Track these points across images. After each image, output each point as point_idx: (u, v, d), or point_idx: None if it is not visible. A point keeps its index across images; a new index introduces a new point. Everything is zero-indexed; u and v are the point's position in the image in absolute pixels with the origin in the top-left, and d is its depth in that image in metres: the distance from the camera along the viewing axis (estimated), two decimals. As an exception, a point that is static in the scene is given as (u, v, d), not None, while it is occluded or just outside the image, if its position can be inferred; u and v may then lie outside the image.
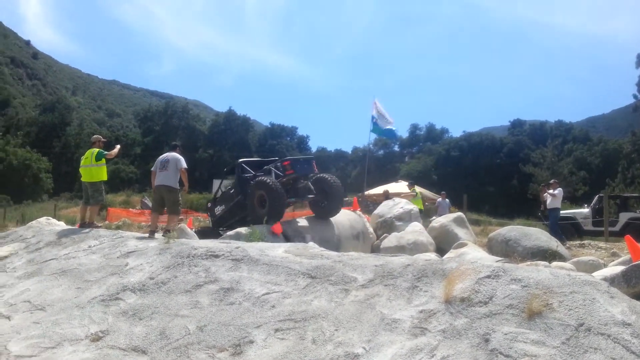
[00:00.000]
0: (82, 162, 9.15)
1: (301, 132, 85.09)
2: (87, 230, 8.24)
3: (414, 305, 4.17)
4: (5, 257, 7.62)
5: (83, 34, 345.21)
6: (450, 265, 4.63)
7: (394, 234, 10.12)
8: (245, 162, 11.43)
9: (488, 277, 4.29)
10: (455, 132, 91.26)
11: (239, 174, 10.86)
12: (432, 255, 8.69)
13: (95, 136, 9.66)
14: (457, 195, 25.58)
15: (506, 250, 9.29)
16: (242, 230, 8.62)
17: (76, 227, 8.68)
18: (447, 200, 17.70)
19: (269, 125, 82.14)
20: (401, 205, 11.66)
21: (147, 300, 5.18)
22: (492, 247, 9.75)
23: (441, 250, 9.58)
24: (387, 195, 17.96)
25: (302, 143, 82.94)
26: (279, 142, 75.59)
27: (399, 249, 9.47)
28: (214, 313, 4.70)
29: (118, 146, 9.65)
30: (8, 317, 5.33)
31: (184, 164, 8.36)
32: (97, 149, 9.05)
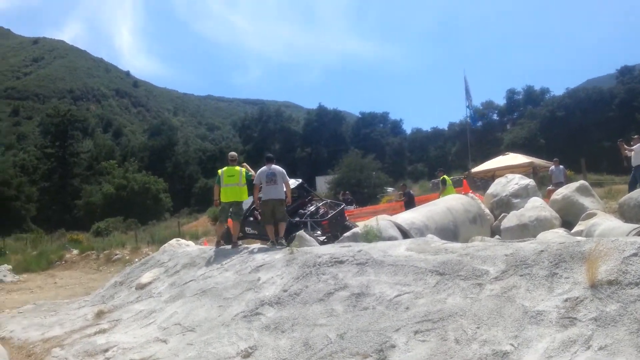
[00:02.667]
0: (225, 181, 8.78)
1: (393, 116, 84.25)
2: (236, 248, 8.40)
3: (557, 294, 4.01)
4: (150, 282, 8.34)
5: (174, 56, 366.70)
6: (588, 247, 4.40)
7: (513, 213, 9.72)
8: None
9: (635, 255, 4.03)
10: (557, 90, 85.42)
11: None
12: (559, 231, 8.28)
13: (234, 153, 9.48)
14: (570, 159, 24.04)
15: (641, 215, 8.60)
16: (358, 230, 8.73)
17: (214, 246, 9.04)
18: (560, 166, 16.37)
19: (360, 115, 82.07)
20: (515, 181, 11.16)
21: (284, 312, 5.43)
22: (625, 213, 9.07)
23: (568, 224, 9.07)
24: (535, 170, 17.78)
25: (396, 127, 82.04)
26: (372, 129, 75.29)
27: (521, 228, 9.11)
28: (350, 320, 4.83)
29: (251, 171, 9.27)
30: (165, 341, 5.83)
31: (287, 178, 8.79)
32: (243, 169, 8.98)
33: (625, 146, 12.53)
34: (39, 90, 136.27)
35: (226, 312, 6.00)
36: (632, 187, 11.45)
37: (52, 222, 48.75)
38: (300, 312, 5.31)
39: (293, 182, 13.37)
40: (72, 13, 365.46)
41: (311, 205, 12.32)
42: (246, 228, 11.83)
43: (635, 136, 12.66)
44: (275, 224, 8.74)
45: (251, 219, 12.06)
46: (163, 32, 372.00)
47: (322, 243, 9.39)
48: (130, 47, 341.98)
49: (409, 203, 15.03)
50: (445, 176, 14.97)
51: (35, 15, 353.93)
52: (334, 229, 10.67)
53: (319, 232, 10.48)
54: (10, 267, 20.53)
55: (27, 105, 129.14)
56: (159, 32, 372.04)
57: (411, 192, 17.32)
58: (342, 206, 12.81)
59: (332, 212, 11.70)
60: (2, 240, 30.64)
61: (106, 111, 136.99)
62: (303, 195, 13.35)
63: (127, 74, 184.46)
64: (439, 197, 13.23)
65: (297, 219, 11.47)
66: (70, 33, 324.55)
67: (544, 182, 21.14)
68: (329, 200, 13.74)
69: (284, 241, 8.45)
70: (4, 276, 18.21)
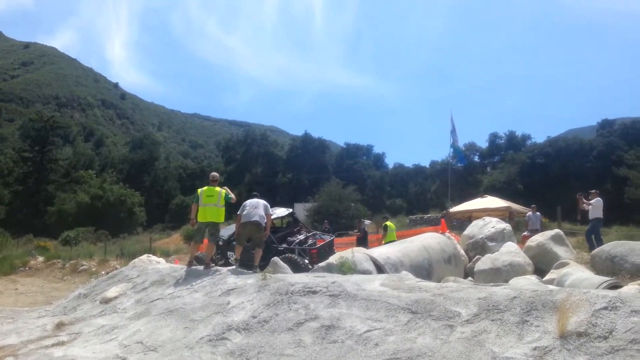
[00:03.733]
0: (204, 200, 8.67)
1: (377, 149, 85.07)
2: (208, 270, 8.27)
3: (526, 341, 4.00)
4: (115, 297, 8.13)
5: (164, 72, 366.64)
6: (560, 296, 4.42)
7: (488, 256, 9.76)
8: None
9: (605, 308, 4.06)
10: (539, 137, 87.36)
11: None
12: (532, 278, 8.31)
13: (215, 174, 9.33)
14: (546, 206, 24.37)
15: (612, 268, 8.68)
16: (333, 261, 8.66)
17: (186, 266, 8.89)
18: (537, 213, 16.54)
19: (344, 146, 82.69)
20: (492, 225, 11.24)
21: (251, 339, 5.32)
22: (596, 265, 9.16)
23: (540, 271, 9.12)
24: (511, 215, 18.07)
25: (379, 161, 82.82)
26: (356, 161, 75.85)
27: (495, 272, 9.14)
28: (318, 352, 4.74)
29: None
30: (124, 359, 5.65)
31: (270, 211, 9.00)
32: (223, 190, 8.87)
33: (584, 200, 13.46)
34: (24, 94, 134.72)
35: (191, 334, 5.85)
36: (589, 238, 12.84)
37: (21, 227, 47.50)
38: (268, 340, 5.21)
39: (283, 211, 13.45)
40: (66, 21, 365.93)
41: (300, 235, 12.32)
42: (229, 253, 11.72)
43: (593, 191, 13.66)
44: (250, 248, 8.71)
45: (235, 243, 11.96)
46: (156, 48, 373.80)
47: (307, 268, 9.53)
48: (121, 60, 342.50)
49: (362, 239, 15.38)
50: (388, 222, 15.59)
51: (29, 19, 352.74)
52: (323, 259, 10.65)
53: (307, 261, 10.45)
54: (-29, 269, 19.91)
55: (10, 107, 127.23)
56: (153, 47, 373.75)
57: (365, 229, 17.67)
58: (332, 237, 12.85)
59: (321, 243, 11.77)
60: (-34, 241, 29.71)
61: (90, 120, 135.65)
62: (292, 224, 13.38)
63: (116, 85, 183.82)
64: (382, 243, 13.69)
65: (285, 245, 11.43)
66: (62, 40, 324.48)
67: (519, 227, 21.36)
68: (318, 232, 13.76)
69: (257, 269, 8.38)
70: (-37, 278, 17.65)
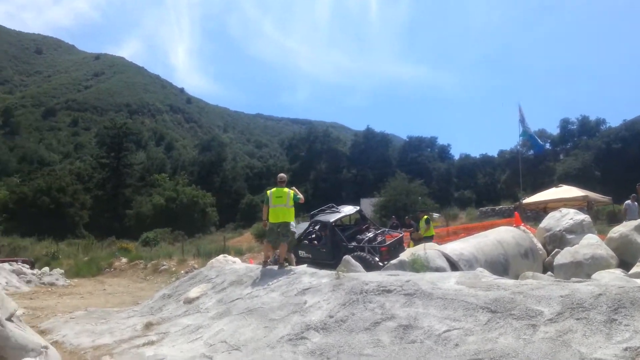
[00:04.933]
0: (273, 201, 8.86)
1: (442, 141, 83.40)
2: (282, 269, 8.44)
3: (616, 342, 3.86)
4: (197, 297, 8.51)
5: (226, 75, 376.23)
6: (650, 293, 4.23)
7: (567, 249, 9.41)
8: (336, 222, 12.41)
9: (702, 306, 3.85)
10: (614, 121, 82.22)
11: (332, 237, 11.77)
12: (616, 272, 7.95)
13: (283, 175, 9.47)
14: (627, 193, 23.01)
15: None
16: (405, 258, 8.66)
17: (260, 265, 9.17)
18: (636, 203, 15.25)
19: (407, 139, 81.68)
20: (570, 216, 10.81)
21: (330, 339, 5.43)
22: (687, 256, 8.63)
23: (625, 264, 8.70)
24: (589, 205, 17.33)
25: (444, 152, 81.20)
26: (420, 154, 74.78)
27: (576, 265, 8.80)
28: (397, 352, 4.78)
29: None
30: (211, 358, 5.91)
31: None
32: (292, 191, 9.02)
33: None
34: (97, 103, 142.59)
35: (272, 334, 6.04)
36: None
37: (103, 230, 50.43)
38: (346, 339, 5.29)
39: (351, 209, 13.65)
40: (132, 31, 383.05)
41: (369, 232, 12.40)
42: (300, 251, 11.99)
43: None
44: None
45: (305, 242, 12.22)
46: (217, 52, 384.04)
47: (379, 268, 9.56)
48: (185, 65, 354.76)
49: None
50: (427, 216, 15.30)
51: (98, 32, 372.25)
52: (394, 257, 10.71)
53: (377, 259, 10.52)
54: (62, 271, 21.38)
55: (86, 116, 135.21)
56: (214, 52, 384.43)
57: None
58: (401, 234, 12.86)
59: (390, 240, 11.82)
60: (56, 244, 31.90)
61: (160, 125, 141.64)
62: (360, 221, 13.49)
63: (182, 90, 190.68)
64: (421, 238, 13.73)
65: (354, 244, 11.56)
66: (129, 50, 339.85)
67: (598, 217, 20.40)
68: (387, 229, 13.79)
69: (286, 264, 8.72)
70: (57, 279, 18.99)
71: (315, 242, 12.45)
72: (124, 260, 23.80)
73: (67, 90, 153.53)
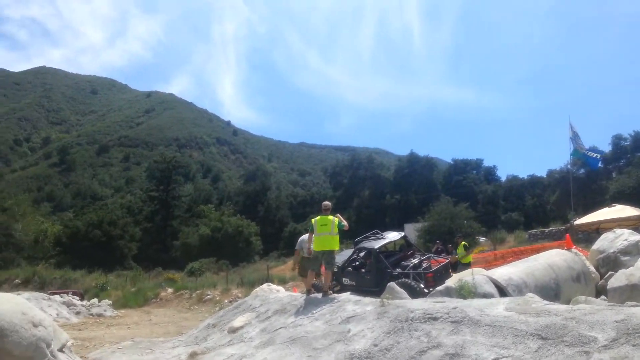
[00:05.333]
0: (318, 229, 8.80)
1: (487, 163, 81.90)
2: (326, 297, 8.38)
3: (678, 370, 3.63)
4: (241, 327, 8.53)
5: (271, 106, 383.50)
6: None
7: (622, 271, 8.95)
8: (380, 249, 12.27)
9: None
10: (670, 135, 78.77)
11: (376, 263, 11.62)
12: (678, 296, 7.53)
13: (327, 203, 9.40)
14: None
15: None
16: (452, 284, 8.46)
17: (304, 294, 9.14)
18: None
19: (452, 162, 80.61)
20: (625, 237, 10.32)
21: (375, 368, 5.32)
22: None
23: (686, 287, 8.21)
24: None
25: (490, 174, 79.65)
26: (465, 177, 73.55)
27: (631, 289, 8.35)
28: (444, 381, 4.64)
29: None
30: (255, 387, 5.91)
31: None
32: (336, 218, 8.93)
33: None
34: (148, 139, 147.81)
35: (316, 364, 5.98)
36: None
37: (151, 261, 51.65)
38: (392, 369, 5.18)
39: (395, 235, 13.53)
40: (181, 68, 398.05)
41: (414, 258, 12.23)
42: (344, 279, 11.92)
43: None
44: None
45: (349, 269, 12.15)
46: (263, 84, 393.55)
47: (425, 295, 9.43)
48: (231, 99, 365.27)
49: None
50: (464, 242, 15.45)
51: (149, 71, 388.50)
52: (440, 283, 10.51)
53: (422, 285, 10.34)
54: (110, 302, 21.94)
55: (137, 152, 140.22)
56: (259, 84, 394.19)
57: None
58: (447, 260, 12.64)
59: (436, 266, 11.66)
60: (105, 276, 32.80)
61: (207, 158, 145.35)
62: (405, 247, 13.34)
63: (228, 123, 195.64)
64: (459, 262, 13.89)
65: (399, 270, 11.42)
66: (179, 86, 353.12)
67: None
68: (432, 255, 13.59)
69: (330, 292, 8.69)
70: (105, 310, 19.48)
71: (360, 269, 12.35)
72: (170, 290, 24.23)
73: (120, 127, 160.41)
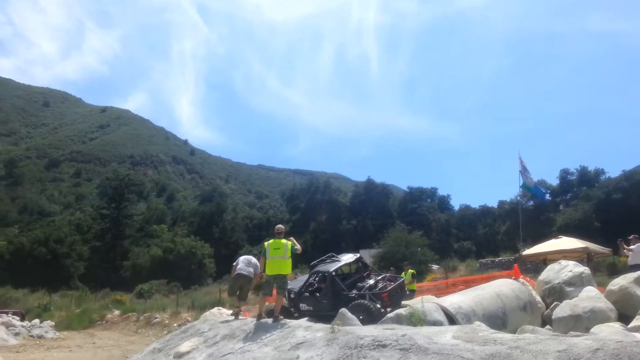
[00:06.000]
0: (271, 253, 8.73)
1: (441, 191, 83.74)
2: (277, 323, 8.29)
3: (614, 400, 3.74)
4: (188, 352, 8.29)
5: (229, 127, 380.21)
6: (649, 349, 4.12)
7: (567, 302, 9.24)
8: (336, 272, 12.22)
9: (701, 362, 3.75)
10: (613, 171, 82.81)
11: (332, 287, 11.58)
12: (615, 325, 7.80)
13: (281, 226, 9.40)
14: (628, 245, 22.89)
15: None
16: (402, 311, 8.50)
17: (255, 319, 8.97)
18: None
19: (408, 190, 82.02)
20: (569, 269, 10.68)
21: (322, 396, 5.26)
22: (688, 310, 8.47)
23: (624, 318, 8.52)
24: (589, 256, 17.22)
25: (444, 203, 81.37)
26: (420, 204, 74.86)
27: (575, 319, 8.62)
28: (390, 410, 4.62)
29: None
30: (199, 416, 5.72)
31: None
32: (289, 242, 8.87)
33: (625, 246, 13.18)
34: (101, 155, 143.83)
35: (263, 391, 5.86)
36: None
37: (99, 281, 49.85)
38: (339, 397, 5.13)
39: (351, 257, 13.54)
40: (139, 85, 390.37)
41: (370, 279, 12.24)
42: (301, 305, 11.79)
43: (633, 236, 13.09)
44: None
45: (306, 294, 12.04)
46: (221, 105, 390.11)
47: (382, 315, 9.49)
48: (189, 118, 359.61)
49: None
50: (412, 270, 15.82)
51: (105, 86, 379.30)
52: (395, 303, 10.63)
53: (378, 305, 10.29)
54: (53, 323, 20.98)
55: (89, 168, 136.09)
56: (218, 105, 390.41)
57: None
58: (401, 279, 12.71)
59: (391, 285, 11.66)
60: (49, 295, 31.42)
61: (162, 177, 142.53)
62: (361, 269, 13.35)
63: (185, 142, 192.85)
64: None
65: (355, 292, 11.39)
66: (135, 102, 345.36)
67: (598, 269, 20.19)
68: (387, 274, 13.64)
69: (281, 317, 8.68)
70: (46, 332, 18.63)
71: (316, 293, 12.26)
72: (117, 312, 23.42)
73: (72, 142, 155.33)
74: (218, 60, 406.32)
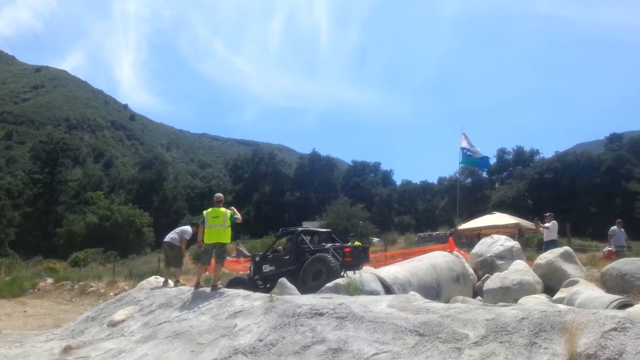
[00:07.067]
0: (209, 222, 8.62)
1: (385, 166, 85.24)
2: (213, 292, 8.19)
3: (535, 364, 3.95)
4: (123, 320, 8.12)
5: (173, 93, 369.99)
6: (569, 317, 4.37)
7: (497, 274, 9.68)
8: (304, 232, 12.23)
9: (614, 329, 4.01)
10: (547, 152, 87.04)
11: (297, 245, 11.44)
12: (541, 297, 8.25)
13: (220, 195, 9.23)
14: (556, 220, 24.15)
15: (623, 286, 8.60)
16: (341, 281, 8.63)
17: (193, 288, 8.85)
18: (622, 229, 14.90)
19: (352, 163, 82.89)
20: (501, 243, 11.16)
21: (258, 363, 5.28)
22: (607, 283, 9.07)
23: (550, 290, 9.03)
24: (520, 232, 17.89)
25: (386, 178, 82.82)
26: (363, 179, 75.91)
27: (504, 290, 9.06)
28: (325, 376, 4.70)
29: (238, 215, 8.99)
30: (132, 383, 5.63)
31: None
32: (229, 211, 8.74)
33: (540, 224, 14.16)
34: (35, 117, 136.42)
35: (198, 358, 5.82)
36: None
37: (31, 248, 47.90)
38: (275, 364, 5.17)
39: (323, 230, 13.84)
40: (76, 44, 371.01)
41: (336, 243, 12.29)
42: (264, 266, 11.69)
43: (548, 214, 14.08)
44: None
45: (270, 256, 11.98)
46: (164, 69, 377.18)
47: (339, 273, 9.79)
48: (130, 81, 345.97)
49: None
50: (357, 242, 15.89)
51: (40, 44, 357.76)
52: (356, 262, 10.68)
53: (339, 264, 10.15)
54: (-20, 291, 19.99)
55: (22, 130, 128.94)
56: (161, 69, 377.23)
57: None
58: (367, 246, 13.03)
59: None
60: (-24, 263, 29.93)
61: (100, 142, 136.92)
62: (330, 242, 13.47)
63: (125, 107, 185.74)
64: None
65: (319, 248, 11.39)
66: (72, 63, 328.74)
67: (528, 244, 21.20)
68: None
69: (219, 286, 8.71)
70: (-27, 301, 17.73)
71: (280, 253, 12.23)
72: (50, 280, 22.54)
73: (3, 102, 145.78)
74: (163, 22, 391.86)
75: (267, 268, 11.62)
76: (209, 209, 8.79)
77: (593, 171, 54.51)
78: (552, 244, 12.89)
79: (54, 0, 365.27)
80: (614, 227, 15.11)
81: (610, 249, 14.16)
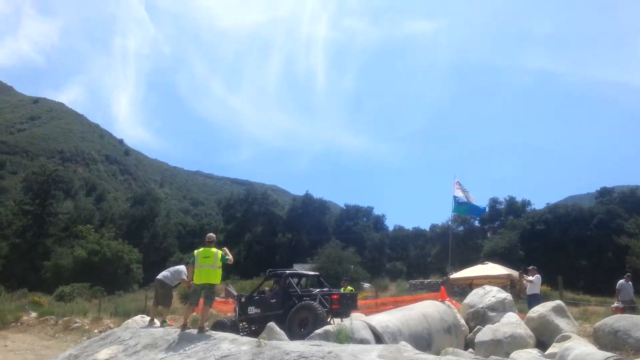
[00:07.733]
0: (200, 262, 8.53)
1: (377, 211, 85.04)
2: (200, 335, 8.04)
3: None
4: (106, 360, 7.93)
5: (168, 130, 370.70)
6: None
7: (489, 327, 9.58)
8: (292, 275, 12.08)
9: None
10: (538, 203, 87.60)
11: (284, 288, 11.28)
12: (533, 352, 8.15)
13: (212, 235, 9.13)
14: (547, 272, 24.10)
15: (615, 343, 8.53)
16: (330, 328, 8.51)
17: (179, 328, 8.68)
18: (630, 283, 14.34)
19: (345, 207, 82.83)
20: (493, 294, 11.10)
21: (244, 412, 5.14)
22: (599, 339, 8.99)
23: (542, 344, 8.93)
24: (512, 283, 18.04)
25: (379, 223, 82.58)
26: (356, 222, 75.71)
27: (495, 343, 8.94)
28: None
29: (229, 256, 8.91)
30: None
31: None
32: (220, 251, 8.66)
33: (524, 276, 14.04)
34: (29, 148, 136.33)
35: (182, 405, 5.67)
36: None
37: (17, 280, 46.96)
38: (260, 413, 5.03)
39: (311, 273, 13.88)
40: (74, 78, 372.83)
41: (325, 288, 12.15)
42: (249, 308, 11.51)
43: (531, 267, 14.00)
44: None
45: (256, 297, 11.82)
46: (161, 106, 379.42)
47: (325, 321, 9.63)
48: (127, 116, 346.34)
49: None
50: (351, 287, 16.01)
51: (39, 76, 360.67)
52: (344, 310, 10.53)
53: (325, 312, 9.96)
54: (-38, 324, 19.53)
55: (15, 160, 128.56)
56: (158, 105, 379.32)
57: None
58: (356, 293, 12.95)
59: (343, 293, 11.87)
60: (-41, 294, 29.31)
61: (93, 175, 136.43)
62: (317, 286, 13.38)
63: (120, 142, 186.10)
64: None
65: (306, 293, 11.21)
66: (70, 96, 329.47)
67: (521, 296, 21.06)
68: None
69: (206, 328, 8.56)
70: (-46, 334, 17.29)
71: (266, 295, 12.03)
72: (34, 314, 22.10)
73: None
74: (162, 60, 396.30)
75: (252, 310, 11.43)
76: (200, 249, 8.73)
77: (584, 224, 54.82)
78: (534, 298, 12.80)
79: (54, 34, 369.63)
80: (622, 281, 14.50)
81: (617, 305, 13.63)
